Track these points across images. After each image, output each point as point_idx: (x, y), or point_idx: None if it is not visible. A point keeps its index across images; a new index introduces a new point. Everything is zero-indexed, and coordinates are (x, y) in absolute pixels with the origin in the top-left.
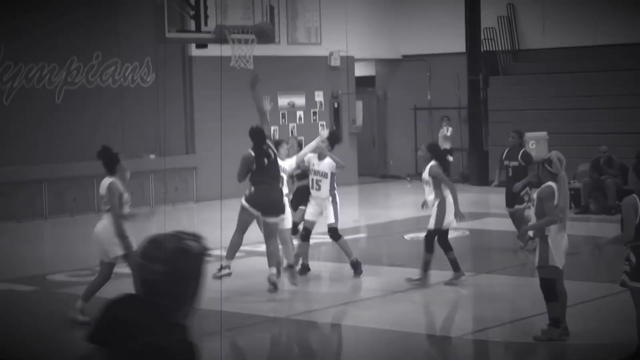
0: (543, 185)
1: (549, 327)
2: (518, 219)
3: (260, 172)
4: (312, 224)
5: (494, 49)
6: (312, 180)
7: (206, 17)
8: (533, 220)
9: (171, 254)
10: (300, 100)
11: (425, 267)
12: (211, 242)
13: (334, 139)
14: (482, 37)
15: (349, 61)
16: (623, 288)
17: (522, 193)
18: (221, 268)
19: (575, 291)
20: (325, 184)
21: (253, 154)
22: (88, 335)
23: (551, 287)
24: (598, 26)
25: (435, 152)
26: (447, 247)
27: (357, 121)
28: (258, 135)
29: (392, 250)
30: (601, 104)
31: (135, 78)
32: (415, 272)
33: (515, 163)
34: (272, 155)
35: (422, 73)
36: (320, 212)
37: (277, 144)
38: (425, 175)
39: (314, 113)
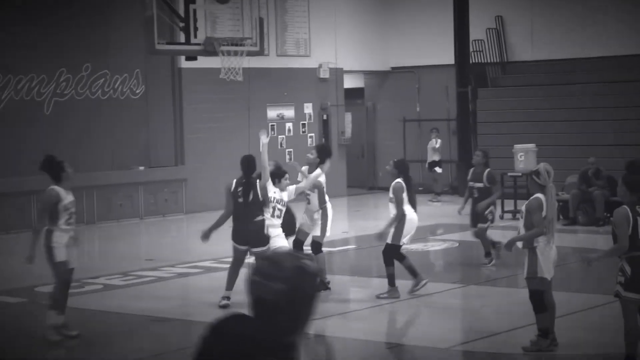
0: (531, 197)
1: (537, 337)
2: (482, 237)
3: (239, 205)
4: (305, 235)
5: (482, 61)
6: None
7: (195, 29)
8: (522, 231)
9: (290, 272)
10: (289, 112)
11: (390, 280)
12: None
13: (324, 153)
14: (471, 49)
15: (337, 73)
16: (615, 299)
17: (486, 212)
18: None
19: (564, 302)
20: (315, 198)
21: (233, 185)
22: (196, 355)
23: (540, 298)
24: (587, 38)
25: (401, 168)
26: (400, 258)
27: (346, 133)
28: (247, 166)
29: (381, 261)
30: (590, 115)
31: (125, 90)
32: (406, 284)
33: (480, 184)
34: (256, 188)
35: (411, 85)
36: (311, 225)
37: (280, 175)
38: (390, 192)
39: (303, 125)
